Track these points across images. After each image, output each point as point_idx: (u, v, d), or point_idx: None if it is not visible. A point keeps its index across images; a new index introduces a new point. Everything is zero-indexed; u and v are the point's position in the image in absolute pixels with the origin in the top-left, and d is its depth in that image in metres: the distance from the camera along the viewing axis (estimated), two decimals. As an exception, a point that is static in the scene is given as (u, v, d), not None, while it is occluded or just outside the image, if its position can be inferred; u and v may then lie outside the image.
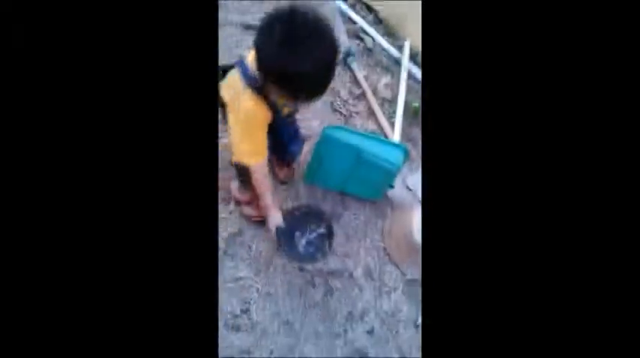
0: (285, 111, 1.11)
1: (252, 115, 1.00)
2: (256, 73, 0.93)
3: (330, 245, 1.37)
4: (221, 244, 1.33)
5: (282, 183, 1.50)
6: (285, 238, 1.28)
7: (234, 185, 1.36)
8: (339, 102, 1.69)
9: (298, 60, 0.82)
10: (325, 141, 1.32)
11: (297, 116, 1.29)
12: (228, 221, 1.39)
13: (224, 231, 1.36)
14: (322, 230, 1.39)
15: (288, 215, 1.30)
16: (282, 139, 1.22)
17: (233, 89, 1.03)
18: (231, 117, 1.06)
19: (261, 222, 1.34)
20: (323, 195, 1.50)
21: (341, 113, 1.66)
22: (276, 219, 1.22)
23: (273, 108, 1.03)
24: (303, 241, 1.37)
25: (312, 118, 1.64)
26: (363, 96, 1.80)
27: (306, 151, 1.45)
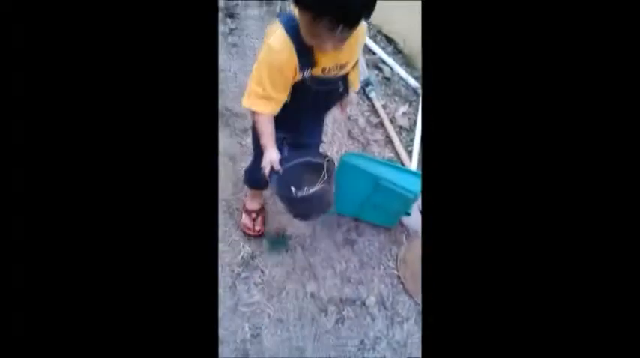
0: (317, 71, 0.96)
1: (274, 54, 0.89)
2: (293, 10, 0.86)
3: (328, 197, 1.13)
4: (235, 268, 1.35)
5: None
6: (279, 184, 1.07)
7: (248, 193, 1.38)
8: (357, 130, 1.72)
9: None
10: (343, 167, 1.34)
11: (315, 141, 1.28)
12: (241, 243, 1.41)
13: (238, 254, 1.38)
14: (318, 187, 1.10)
15: (284, 162, 1.09)
16: (299, 121, 1.09)
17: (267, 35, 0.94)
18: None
19: (258, 236, 1.39)
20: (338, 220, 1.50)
21: (359, 141, 1.69)
22: (272, 155, 1.02)
23: (303, 61, 0.91)
24: (298, 196, 1.12)
25: (331, 145, 1.67)
26: (381, 124, 1.83)
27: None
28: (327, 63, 0.94)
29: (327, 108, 1.16)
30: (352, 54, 0.98)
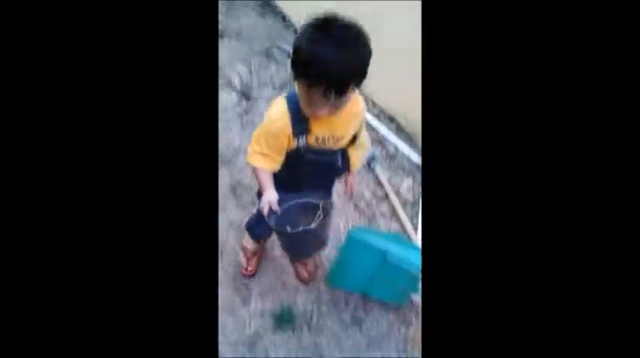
0: (311, 139, 1.04)
1: (271, 122, 1.01)
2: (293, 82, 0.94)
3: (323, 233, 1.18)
4: (239, 347, 1.29)
5: (304, 283, 1.49)
6: (276, 221, 1.11)
7: (246, 236, 1.45)
8: (363, 204, 1.75)
9: (326, 44, 0.83)
10: (350, 242, 1.34)
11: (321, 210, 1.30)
12: (247, 320, 1.37)
13: (243, 331, 1.33)
14: (313, 226, 1.13)
15: (283, 203, 1.13)
16: (298, 178, 1.14)
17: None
18: None
19: (250, 276, 1.45)
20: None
21: (365, 214, 1.71)
22: (270, 196, 1.08)
23: (298, 128, 1.00)
24: (292, 232, 1.14)
25: (337, 218, 1.69)
26: (386, 197, 1.86)
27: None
28: (321, 132, 1.03)
29: (326, 180, 1.21)
30: (347, 128, 1.06)
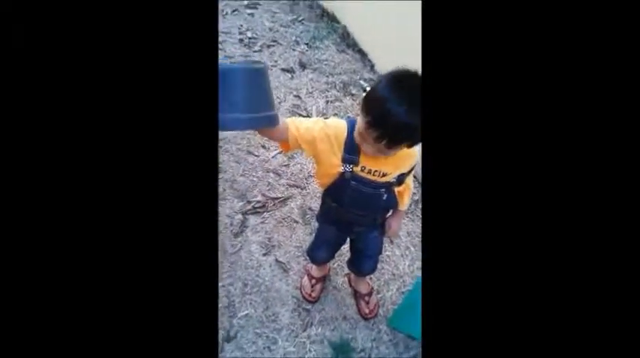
0: (357, 168, 1.05)
1: (328, 125, 1.01)
2: (358, 115, 0.95)
3: None
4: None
5: (365, 318, 1.48)
6: None
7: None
8: (429, 247, 1.73)
9: (401, 99, 0.85)
10: (420, 288, 1.33)
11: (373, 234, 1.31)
12: (307, 345, 1.37)
13: (304, 355, 1.33)
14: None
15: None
16: (342, 206, 1.15)
17: None
18: None
19: (313, 302, 1.49)
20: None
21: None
22: None
23: (347, 151, 1.02)
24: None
25: (401, 257, 1.68)
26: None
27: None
28: (368, 164, 1.04)
29: (370, 211, 1.19)
30: (395, 167, 1.06)
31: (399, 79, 0.90)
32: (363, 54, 2.76)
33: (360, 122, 0.96)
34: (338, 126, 1.03)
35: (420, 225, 1.80)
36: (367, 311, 1.48)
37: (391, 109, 0.86)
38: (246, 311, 1.45)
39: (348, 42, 2.87)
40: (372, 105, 0.91)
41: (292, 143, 1.01)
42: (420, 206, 1.87)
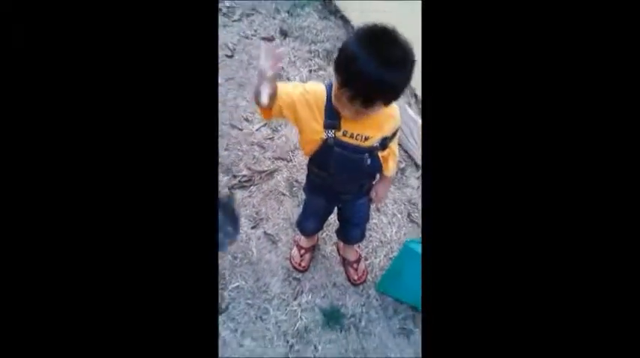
0: (339, 132, 1.02)
1: (307, 90, 1.00)
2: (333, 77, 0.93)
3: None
4: (289, 338, 1.33)
5: (354, 284, 1.51)
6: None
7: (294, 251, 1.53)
8: (416, 214, 1.75)
9: (370, 57, 0.83)
10: (406, 253, 1.35)
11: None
12: (299, 313, 1.40)
13: (294, 325, 1.36)
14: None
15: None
16: (327, 172, 1.13)
17: None
18: None
19: (302, 271, 1.51)
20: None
21: (418, 224, 1.71)
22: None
23: (328, 116, 1.00)
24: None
25: (390, 226, 1.70)
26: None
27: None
28: (349, 128, 1.02)
29: (356, 177, 1.18)
30: (377, 130, 1.04)
31: (369, 34, 0.87)
32: (345, 20, 2.68)
33: (335, 84, 0.94)
34: (317, 90, 1.01)
35: (407, 192, 1.81)
36: (356, 277, 1.51)
37: (361, 67, 0.83)
38: (237, 283, 1.47)
39: (329, 8, 2.78)
40: (343, 63, 0.88)
41: (275, 109, 0.98)
42: (406, 174, 1.87)
